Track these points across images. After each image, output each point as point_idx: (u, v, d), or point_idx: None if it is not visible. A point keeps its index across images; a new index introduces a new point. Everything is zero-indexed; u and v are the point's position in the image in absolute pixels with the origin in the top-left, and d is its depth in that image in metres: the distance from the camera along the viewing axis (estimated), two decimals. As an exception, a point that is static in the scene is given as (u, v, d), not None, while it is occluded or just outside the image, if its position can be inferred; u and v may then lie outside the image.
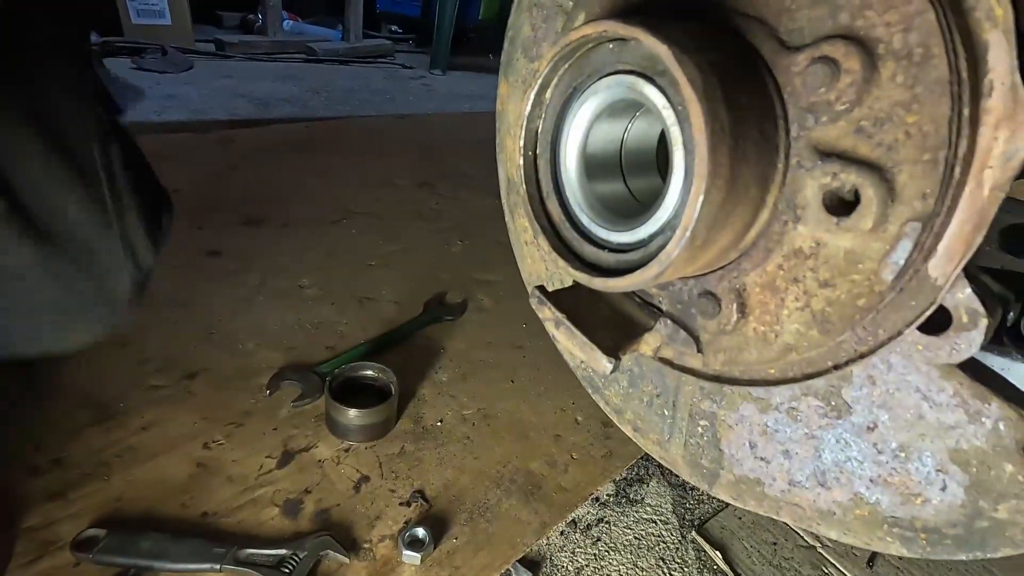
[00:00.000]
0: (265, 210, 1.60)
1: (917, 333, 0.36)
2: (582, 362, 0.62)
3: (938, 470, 0.37)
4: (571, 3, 0.55)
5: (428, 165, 2.13)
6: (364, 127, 2.54)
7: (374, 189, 1.86)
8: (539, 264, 0.68)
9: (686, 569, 0.89)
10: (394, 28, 5.29)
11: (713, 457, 0.47)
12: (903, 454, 0.38)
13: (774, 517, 0.45)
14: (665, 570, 0.89)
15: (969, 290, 0.35)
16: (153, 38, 3.22)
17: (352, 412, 0.93)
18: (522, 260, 0.71)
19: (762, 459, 0.44)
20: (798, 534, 0.98)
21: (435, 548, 0.82)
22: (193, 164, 1.83)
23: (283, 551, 0.76)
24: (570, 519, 0.92)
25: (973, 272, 0.36)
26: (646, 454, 1.09)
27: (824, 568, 0.94)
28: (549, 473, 0.97)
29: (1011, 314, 0.56)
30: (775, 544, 0.95)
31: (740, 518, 1.00)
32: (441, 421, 1.03)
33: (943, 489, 0.36)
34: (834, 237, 0.36)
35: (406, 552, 0.78)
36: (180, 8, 3.36)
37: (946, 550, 0.37)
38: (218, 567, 0.74)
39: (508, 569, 0.82)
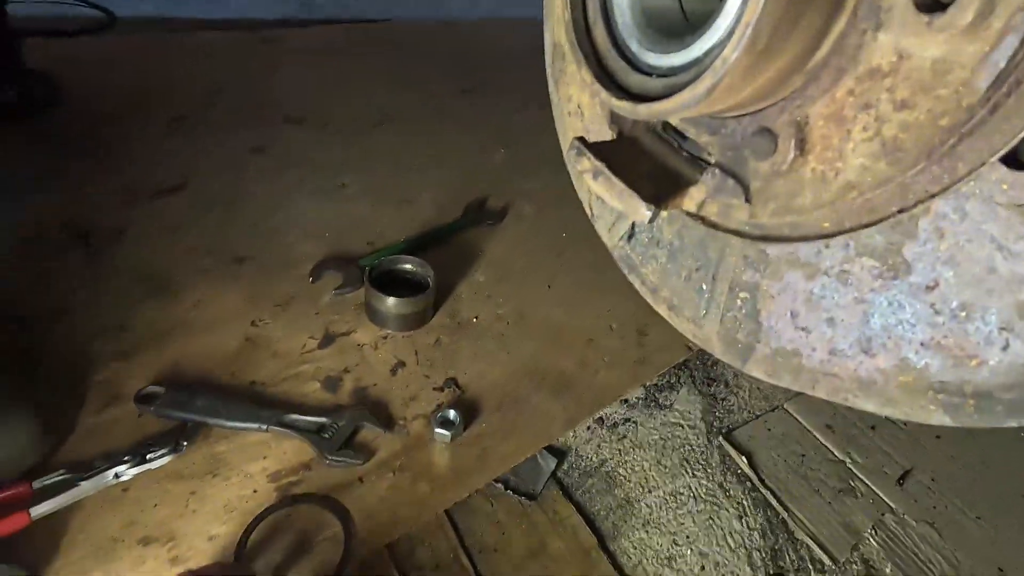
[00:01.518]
0: (306, 110, 1.59)
1: (1003, 170, 0.32)
2: (619, 238, 0.60)
3: (1002, 328, 0.33)
4: None
5: (473, 72, 2.05)
6: (409, 31, 2.45)
7: (417, 95, 1.81)
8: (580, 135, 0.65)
9: (709, 471, 0.90)
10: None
11: (750, 330, 0.45)
12: (963, 313, 0.35)
13: (809, 392, 0.44)
14: (688, 470, 0.90)
15: (1085, 110, 0.30)
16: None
17: (391, 300, 0.95)
18: (564, 134, 0.67)
19: (803, 329, 0.42)
20: (828, 448, 0.97)
21: (465, 430, 0.85)
22: (237, 63, 1.82)
23: (324, 419, 0.81)
24: (598, 416, 0.94)
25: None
26: (679, 363, 1.08)
27: (852, 482, 0.93)
28: (580, 374, 0.98)
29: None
30: (803, 456, 0.95)
31: (770, 430, 0.99)
32: (477, 318, 1.05)
33: (1004, 348, 0.33)
34: (922, 43, 0.31)
35: (437, 430, 0.82)
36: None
37: (995, 417, 0.35)
38: (264, 428, 0.79)
39: (534, 454, 0.85)
